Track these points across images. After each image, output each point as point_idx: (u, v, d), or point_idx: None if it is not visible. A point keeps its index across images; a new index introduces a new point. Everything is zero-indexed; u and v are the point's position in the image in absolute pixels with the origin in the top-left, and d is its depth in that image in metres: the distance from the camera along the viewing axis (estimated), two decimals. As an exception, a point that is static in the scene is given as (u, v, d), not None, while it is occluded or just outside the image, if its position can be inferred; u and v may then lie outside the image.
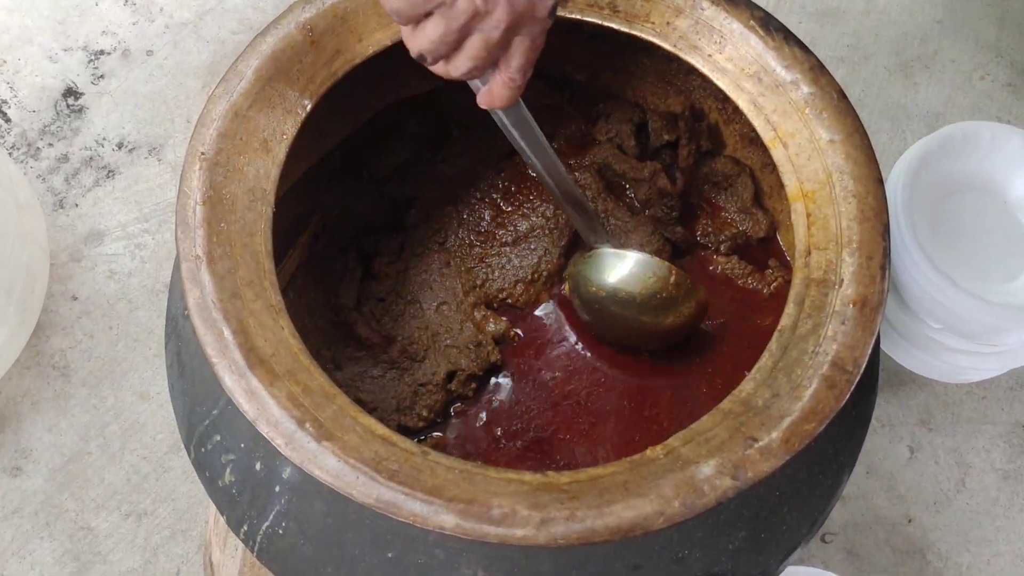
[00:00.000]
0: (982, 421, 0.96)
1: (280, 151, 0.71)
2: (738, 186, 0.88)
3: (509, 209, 0.92)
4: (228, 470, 0.70)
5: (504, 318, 0.88)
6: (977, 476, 0.94)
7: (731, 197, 0.89)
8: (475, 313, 0.88)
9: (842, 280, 0.66)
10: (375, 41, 0.75)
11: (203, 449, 0.72)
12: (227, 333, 0.63)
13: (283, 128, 0.72)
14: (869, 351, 0.63)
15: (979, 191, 0.85)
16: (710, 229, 0.90)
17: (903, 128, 1.10)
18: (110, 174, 1.05)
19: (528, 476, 0.61)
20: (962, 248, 0.84)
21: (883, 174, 0.89)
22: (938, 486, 0.94)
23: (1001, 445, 0.95)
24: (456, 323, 0.87)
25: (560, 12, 0.76)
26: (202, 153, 0.69)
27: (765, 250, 0.87)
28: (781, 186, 0.73)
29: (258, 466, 0.68)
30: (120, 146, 1.06)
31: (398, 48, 0.76)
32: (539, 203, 0.92)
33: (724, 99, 0.78)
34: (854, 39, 1.15)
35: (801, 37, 1.14)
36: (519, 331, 0.88)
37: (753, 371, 0.64)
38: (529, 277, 0.89)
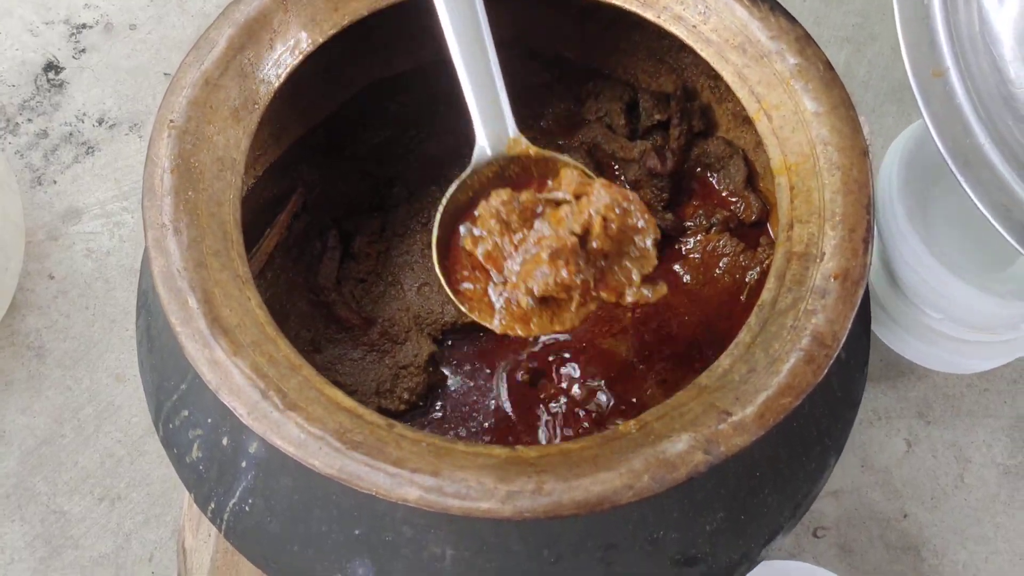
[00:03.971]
0: (983, 414, 0.96)
1: (251, 121, 0.72)
2: (730, 168, 0.89)
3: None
4: (195, 446, 0.71)
5: (487, 299, 0.89)
6: (976, 471, 0.95)
7: (723, 179, 0.90)
8: (457, 294, 0.89)
9: (824, 253, 0.67)
10: (351, 10, 0.76)
11: (171, 425, 0.73)
12: (192, 302, 0.64)
13: (255, 98, 0.73)
14: (849, 325, 0.64)
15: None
16: (700, 212, 0.90)
17: (909, 110, 1.10)
18: (90, 150, 1.06)
19: (497, 450, 0.62)
20: (957, 232, 0.85)
21: (884, 157, 0.89)
22: (936, 481, 0.95)
23: (1003, 439, 0.95)
24: (438, 304, 0.88)
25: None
26: (171, 121, 0.70)
27: (757, 232, 0.88)
28: (774, 166, 0.74)
29: (225, 441, 0.69)
30: (100, 122, 1.08)
31: (377, 19, 0.77)
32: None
33: (716, 77, 0.79)
34: (860, 18, 1.16)
35: (806, 16, 1.15)
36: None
37: (731, 346, 0.65)
38: (515, 258, 0.90)
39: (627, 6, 0.77)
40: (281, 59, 0.74)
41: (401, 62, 0.90)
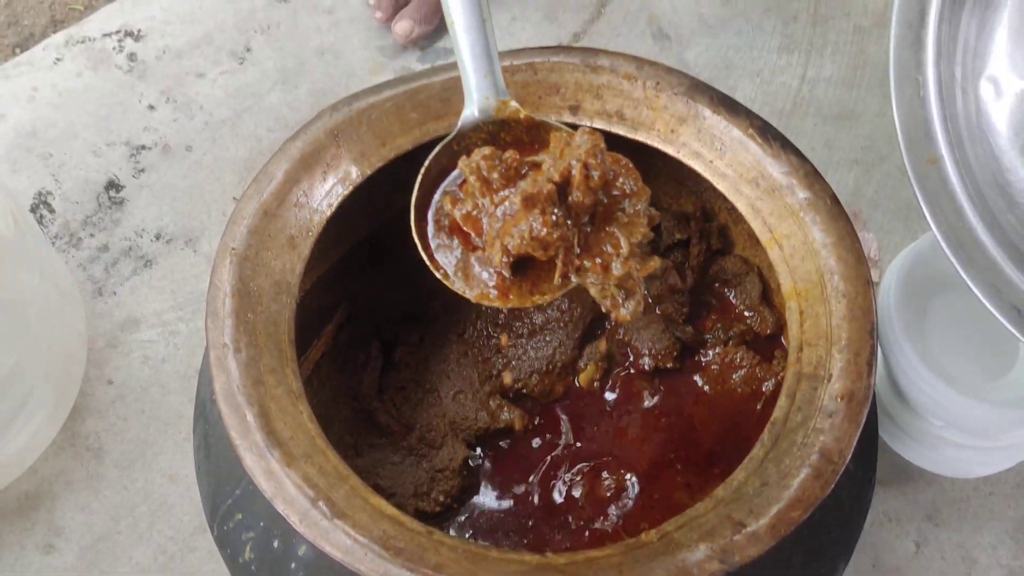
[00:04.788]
0: (988, 517, 0.99)
1: (305, 247, 0.78)
2: (746, 284, 0.93)
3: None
4: (248, 547, 0.75)
5: (518, 407, 0.93)
6: (983, 572, 0.98)
7: (740, 295, 0.94)
8: (490, 402, 0.93)
9: (831, 375, 0.71)
10: (397, 146, 0.81)
11: (225, 527, 0.77)
12: (250, 416, 0.68)
13: (309, 226, 0.78)
14: (855, 442, 0.68)
15: (968, 289, 0.90)
16: (719, 325, 0.95)
17: (914, 228, 1.15)
18: (147, 264, 1.12)
19: (528, 557, 0.65)
20: (954, 346, 0.88)
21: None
22: (945, 581, 0.98)
23: (1007, 541, 0.98)
24: (472, 411, 0.92)
25: (572, 119, 0.82)
26: (232, 248, 0.75)
27: (772, 345, 0.92)
28: (787, 285, 0.78)
29: (276, 544, 0.73)
30: (158, 237, 1.13)
31: (420, 151, 0.83)
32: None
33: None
34: (868, 141, 1.21)
35: (817, 140, 1.21)
36: (532, 420, 0.93)
37: (746, 460, 0.69)
38: (544, 368, 0.94)
39: (650, 142, 0.82)
40: (333, 190, 0.79)
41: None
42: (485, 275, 0.71)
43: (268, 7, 1.30)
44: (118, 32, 1.27)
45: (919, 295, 0.90)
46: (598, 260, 0.69)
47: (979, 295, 0.72)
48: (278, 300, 0.75)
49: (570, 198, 0.67)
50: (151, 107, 1.22)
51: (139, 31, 1.27)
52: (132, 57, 1.25)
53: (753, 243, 0.92)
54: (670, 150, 0.82)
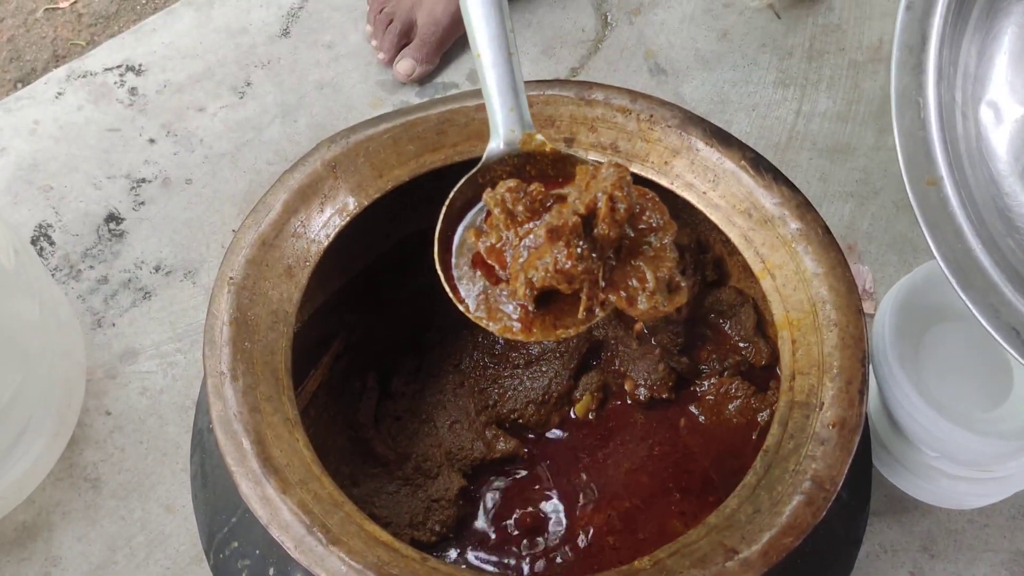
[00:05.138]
0: (983, 548, 0.99)
1: (303, 277, 0.79)
2: (741, 315, 0.94)
3: (521, 334, 0.98)
4: (244, 575, 0.75)
5: (514, 438, 0.94)
6: (980, 603, 0.98)
7: (735, 326, 0.95)
8: (486, 432, 0.93)
9: (823, 403, 0.71)
10: (394, 177, 0.83)
11: (221, 555, 0.77)
12: (246, 444, 0.69)
13: (307, 256, 0.79)
14: (846, 470, 0.69)
15: (961, 322, 0.90)
16: (714, 356, 0.95)
17: (909, 261, 1.15)
18: (147, 296, 1.13)
19: (522, 583, 0.66)
20: (948, 377, 0.89)
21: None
22: (941, 612, 0.98)
23: (1003, 573, 0.98)
24: (468, 441, 0.93)
25: (567, 151, 0.83)
26: (231, 278, 0.76)
27: (767, 376, 0.93)
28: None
29: (271, 571, 0.74)
30: (157, 269, 1.14)
31: (417, 183, 0.84)
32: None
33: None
34: (863, 174, 1.22)
35: (812, 173, 1.22)
36: (528, 450, 0.94)
37: (738, 487, 0.70)
38: (540, 398, 0.95)
39: (644, 174, 0.83)
40: (330, 221, 0.80)
41: (435, 218, 0.97)
42: (509, 308, 0.71)
43: (268, 42, 1.31)
44: (119, 67, 1.29)
45: (914, 326, 0.91)
46: (623, 294, 0.68)
47: (977, 316, 0.72)
48: (275, 329, 0.75)
49: (595, 231, 0.67)
50: (151, 140, 1.23)
51: (140, 66, 1.29)
52: (133, 91, 1.27)
53: (747, 275, 0.93)
54: (664, 182, 0.83)
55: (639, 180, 0.83)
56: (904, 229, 1.18)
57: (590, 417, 0.96)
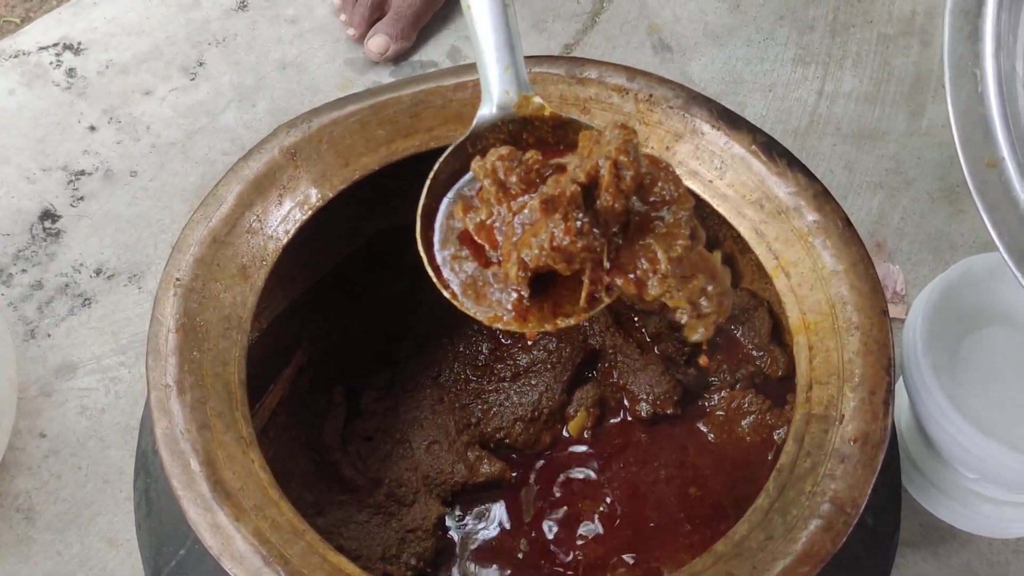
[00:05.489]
0: (1031, 582, 1.00)
1: (259, 278, 0.79)
2: (755, 320, 0.94)
3: (508, 342, 0.98)
4: (194, 615, 0.76)
5: (500, 460, 0.94)
6: (1026, 645, 0.98)
7: (748, 332, 0.95)
8: (468, 453, 0.94)
9: (843, 416, 0.72)
10: (362, 165, 0.83)
11: (169, 593, 0.78)
12: (194, 465, 0.69)
13: (263, 254, 0.80)
14: (869, 490, 0.69)
15: (1004, 326, 0.90)
16: (725, 366, 0.96)
17: (947, 260, 1.16)
18: (86, 302, 1.13)
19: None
20: (988, 388, 0.89)
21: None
22: (983, 654, 0.98)
23: (1052, 609, 0.99)
24: (448, 464, 0.93)
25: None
26: (177, 279, 0.77)
27: (784, 388, 0.93)
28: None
29: (225, 609, 0.74)
30: (98, 273, 1.15)
31: (387, 171, 0.84)
32: (541, 335, 0.98)
33: (738, 227, 0.85)
34: (894, 163, 1.23)
35: (836, 161, 1.23)
36: (515, 473, 0.94)
37: (748, 511, 0.70)
38: (529, 415, 0.95)
39: (642, 161, 0.84)
40: (290, 215, 0.81)
41: (411, 212, 0.97)
42: (501, 294, 0.69)
43: (224, 17, 1.32)
44: (56, 45, 1.29)
45: (950, 332, 0.91)
46: (632, 276, 0.65)
47: None
48: (227, 336, 0.76)
49: (598, 203, 0.64)
50: (92, 128, 1.24)
51: (79, 44, 1.29)
52: (71, 73, 1.27)
53: (761, 275, 0.93)
54: (665, 170, 0.83)
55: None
56: (940, 224, 1.18)
57: (585, 436, 0.96)
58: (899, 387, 0.93)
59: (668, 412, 0.94)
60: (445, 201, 0.73)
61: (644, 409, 0.95)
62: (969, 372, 0.90)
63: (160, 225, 1.18)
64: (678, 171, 0.82)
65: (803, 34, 1.32)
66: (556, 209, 0.64)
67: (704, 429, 0.95)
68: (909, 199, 1.21)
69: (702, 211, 0.91)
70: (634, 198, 0.65)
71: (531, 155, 0.68)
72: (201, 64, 1.29)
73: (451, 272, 0.70)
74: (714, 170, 0.82)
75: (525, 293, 0.67)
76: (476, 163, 0.69)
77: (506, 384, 0.97)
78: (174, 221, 1.18)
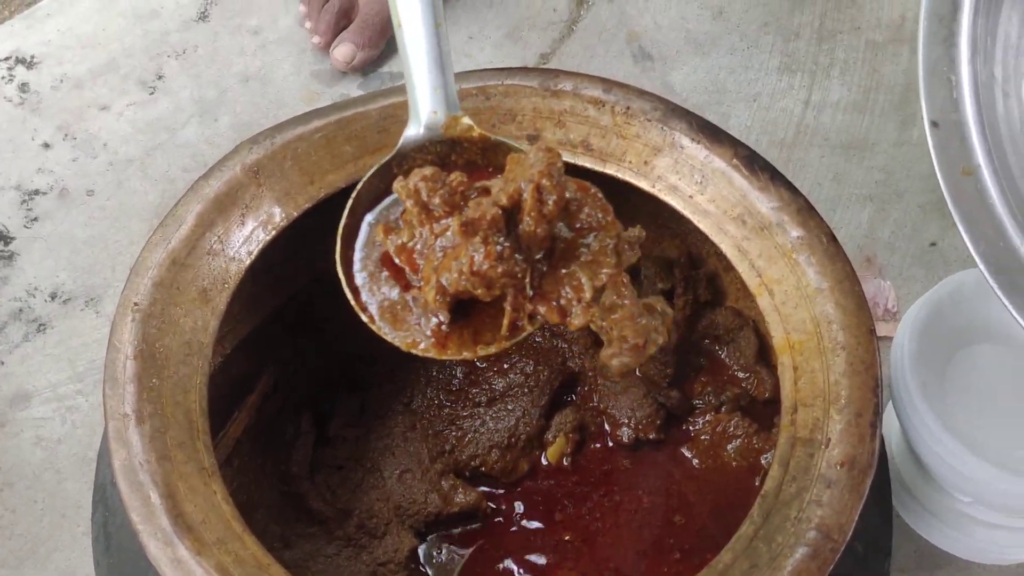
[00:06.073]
0: (1029, 610, 1.01)
1: (221, 301, 0.79)
2: (740, 341, 0.95)
3: (483, 365, 0.99)
4: (155, 655, 0.76)
5: (476, 489, 0.95)
6: (1025, 676, 0.99)
7: (733, 353, 0.96)
8: (442, 482, 0.94)
9: (829, 439, 0.73)
10: (328, 183, 0.84)
11: (129, 633, 0.78)
12: (154, 497, 0.70)
13: (225, 277, 0.80)
14: (857, 516, 0.70)
15: (994, 343, 0.91)
16: (709, 389, 0.96)
17: (939, 274, 1.17)
18: (41, 328, 1.13)
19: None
20: (979, 408, 0.89)
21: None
22: None
23: (1052, 638, 1.00)
24: (421, 494, 0.93)
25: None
26: (135, 304, 0.77)
27: (771, 411, 0.94)
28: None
29: (187, 648, 0.74)
30: (53, 297, 1.15)
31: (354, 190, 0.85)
32: (517, 358, 0.98)
33: (722, 243, 0.86)
34: (884, 175, 1.23)
35: (824, 173, 1.24)
36: (491, 503, 0.95)
37: (732, 539, 0.71)
38: (505, 442, 0.96)
39: (621, 175, 0.84)
40: (253, 235, 0.81)
41: (382, 231, 0.98)
42: (420, 319, 0.71)
43: (183, 28, 1.33)
44: (8, 59, 1.30)
45: (939, 350, 0.92)
46: (555, 304, 0.67)
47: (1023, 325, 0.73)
48: (188, 363, 0.76)
49: (520, 227, 0.66)
50: (46, 145, 1.24)
51: (32, 57, 1.30)
52: (24, 87, 1.28)
53: (746, 293, 0.94)
54: (644, 184, 0.84)
55: (615, 183, 0.84)
56: (933, 237, 1.19)
57: (565, 463, 0.96)
58: (890, 408, 0.94)
59: (651, 437, 0.95)
60: (367, 221, 0.74)
61: (626, 434, 0.95)
62: (959, 391, 0.91)
63: (118, 247, 1.18)
64: (656, 186, 0.84)
65: (788, 41, 1.33)
66: (476, 232, 0.65)
67: (688, 454, 0.95)
68: (900, 212, 1.22)
69: (683, 227, 0.92)
70: (560, 224, 0.67)
71: (455, 176, 0.69)
72: (160, 77, 1.29)
73: (369, 294, 0.72)
74: (694, 185, 0.83)
75: (444, 319, 0.69)
76: (399, 183, 0.70)
77: (481, 409, 0.97)
78: (132, 242, 1.18)
